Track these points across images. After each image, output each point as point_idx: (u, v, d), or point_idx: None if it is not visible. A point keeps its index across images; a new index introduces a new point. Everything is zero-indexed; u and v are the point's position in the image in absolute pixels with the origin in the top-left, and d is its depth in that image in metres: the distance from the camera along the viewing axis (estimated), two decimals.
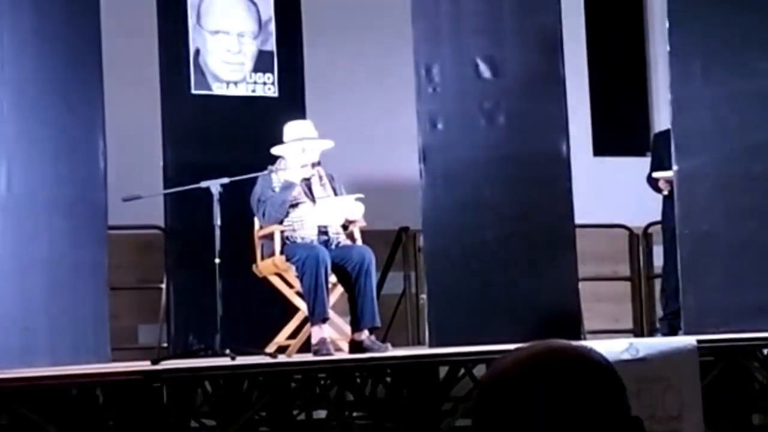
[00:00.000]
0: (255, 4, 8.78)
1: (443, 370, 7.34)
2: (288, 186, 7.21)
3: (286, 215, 7.21)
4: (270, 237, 7.25)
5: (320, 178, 7.42)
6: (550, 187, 7.80)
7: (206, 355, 6.83)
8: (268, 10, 8.80)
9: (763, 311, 7.28)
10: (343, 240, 7.34)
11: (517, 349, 1.61)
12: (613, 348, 5.90)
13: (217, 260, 6.81)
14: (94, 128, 7.21)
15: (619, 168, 11.01)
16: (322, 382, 7.99)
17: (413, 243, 10.03)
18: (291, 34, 8.81)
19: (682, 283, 7.59)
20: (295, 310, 7.30)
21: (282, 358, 6.88)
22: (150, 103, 8.42)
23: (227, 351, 6.53)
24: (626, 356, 6.05)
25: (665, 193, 8.41)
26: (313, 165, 7.35)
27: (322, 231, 7.26)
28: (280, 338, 7.30)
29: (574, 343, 1.63)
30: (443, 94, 7.84)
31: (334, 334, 7.24)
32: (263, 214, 7.23)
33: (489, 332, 7.22)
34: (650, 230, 10.41)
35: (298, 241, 7.18)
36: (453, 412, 7.16)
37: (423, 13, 7.87)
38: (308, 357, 6.88)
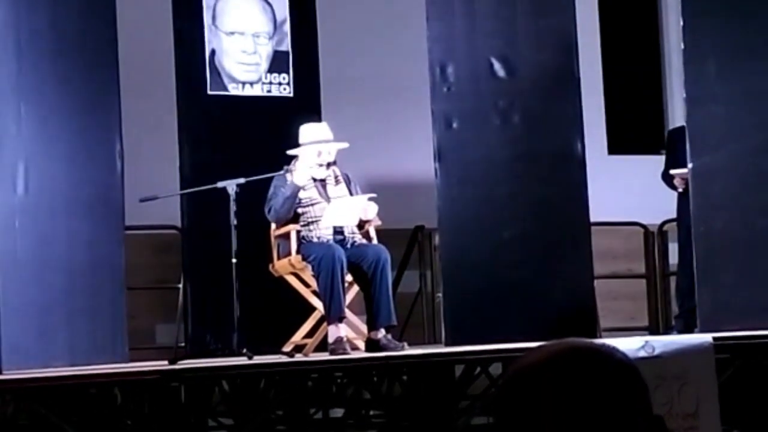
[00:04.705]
0: (270, 5, 8.80)
1: (459, 369, 7.36)
2: (293, 187, 7.19)
3: (302, 214, 7.22)
4: (286, 236, 7.27)
5: (335, 178, 7.43)
6: (565, 186, 7.81)
7: (223, 355, 6.86)
8: (283, 10, 8.81)
9: None
10: (359, 239, 7.35)
11: (539, 347, 1.62)
12: (628, 346, 5.90)
13: (233, 260, 6.84)
14: (110, 129, 7.23)
15: (634, 166, 11.01)
16: (339, 380, 8.01)
17: (429, 242, 10.04)
18: (306, 35, 8.82)
19: (698, 280, 7.58)
20: (312, 309, 7.31)
21: (299, 357, 6.89)
22: (166, 104, 8.46)
23: (244, 350, 6.55)
24: (642, 354, 6.05)
25: (680, 190, 8.40)
26: (328, 165, 7.36)
27: (338, 230, 7.27)
28: (297, 337, 7.31)
29: (597, 341, 1.64)
30: (458, 93, 7.85)
31: (351, 332, 7.24)
32: (268, 211, 7.26)
33: (505, 330, 7.23)
34: (665, 228, 10.42)
35: (314, 240, 7.20)
36: (469, 410, 7.17)
37: (438, 13, 7.87)
38: (325, 356, 6.89)
